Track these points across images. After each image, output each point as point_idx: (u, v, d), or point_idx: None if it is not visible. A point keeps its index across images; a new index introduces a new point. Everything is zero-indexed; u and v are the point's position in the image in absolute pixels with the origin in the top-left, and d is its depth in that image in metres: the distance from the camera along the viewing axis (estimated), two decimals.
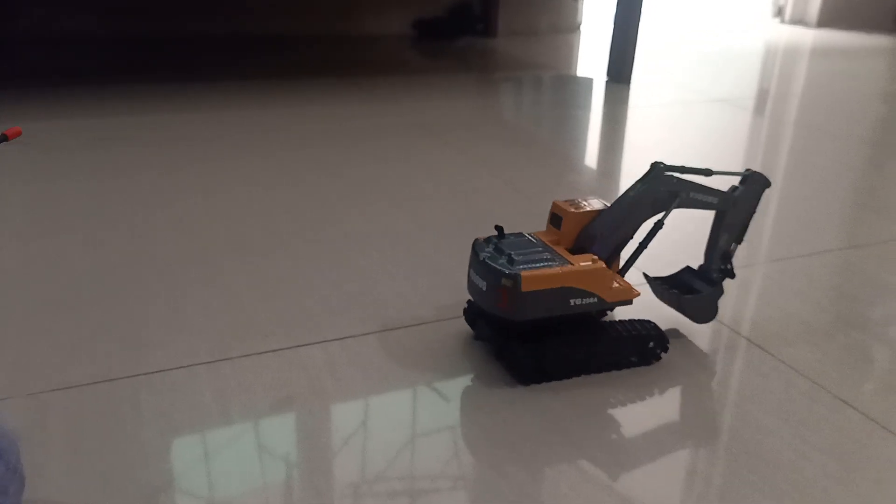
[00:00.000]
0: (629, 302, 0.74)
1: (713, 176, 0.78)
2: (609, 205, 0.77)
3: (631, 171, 1.38)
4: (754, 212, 0.81)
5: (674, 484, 0.61)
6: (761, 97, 2.02)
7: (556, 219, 0.77)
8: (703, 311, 0.82)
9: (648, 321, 0.77)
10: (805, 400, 0.73)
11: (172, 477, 0.59)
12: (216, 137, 1.44)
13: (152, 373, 0.72)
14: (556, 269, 0.70)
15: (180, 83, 1.86)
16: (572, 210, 0.76)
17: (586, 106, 1.83)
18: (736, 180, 0.81)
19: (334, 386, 0.71)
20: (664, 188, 0.74)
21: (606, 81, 2.11)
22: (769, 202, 1.23)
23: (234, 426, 0.65)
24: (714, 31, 3.29)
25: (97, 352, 0.75)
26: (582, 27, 3.09)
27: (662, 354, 0.77)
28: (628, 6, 2.05)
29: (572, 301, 0.71)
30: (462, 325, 0.82)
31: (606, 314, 0.80)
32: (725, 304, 0.89)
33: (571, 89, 2.01)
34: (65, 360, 0.74)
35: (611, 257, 0.76)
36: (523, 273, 0.69)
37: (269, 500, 0.58)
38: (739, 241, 0.82)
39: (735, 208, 0.79)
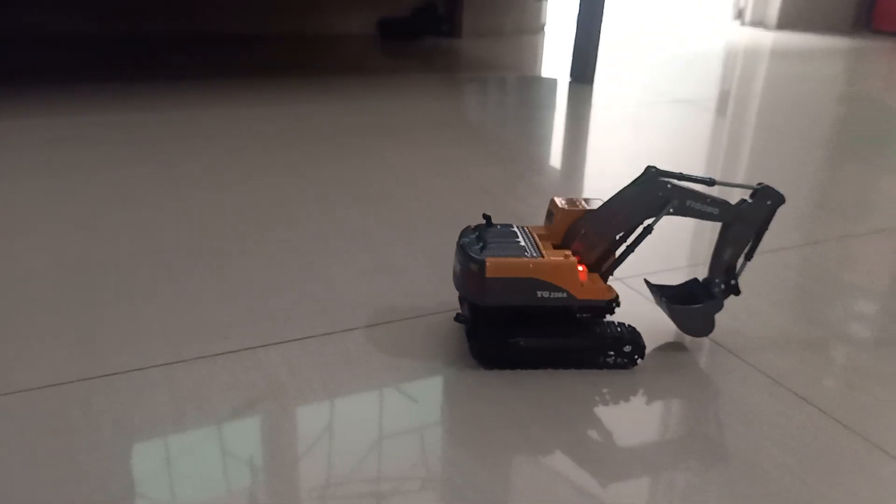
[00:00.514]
0: (603, 303, 0.73)
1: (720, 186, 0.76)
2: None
3: (595, 171, 1.38)
4: (766, 228, 0.77)
5: (633, 480, 0.61)
6: (722, 98, 2.04)
7: (549, 215, 0.78)
8: (696, 323, 0.80)
9: (630, 326, 0.76)
10: (765, 397, 0.73)
11: (130, 484, 0.58)
12: (178, 137, 1.42)
13: (106, 376, 0.70)
14: (523, 259, 0.70)
15: (143, 83, 1.83)
16: (562, 206, 0.76)
17: (550, 106, 1.83)
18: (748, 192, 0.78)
19: (293, 386, 0.70)
20: (657, 193, 0.73)
21: (570, 82, 2.11)
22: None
23: (191, 429, 0.64)
24: (676, 32, 3.32)
25: (49, 355, 0.73)
26: (546, 28, 3.11)
27: (639, 360, 0.76)
28: (590, 7, 2.06)
29: (539, 293, 0.71)
30: (424, 325, 0.82)
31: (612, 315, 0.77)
32: None
33: (535, 90, 2.01)
34: (15, 363, 0.72)
35: (600, 257, 0.75)
36: (489, 259, 0.70)
37: None
38: (749, 257, 0.79)
39: (741, 222, 0.76)
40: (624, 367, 0.76)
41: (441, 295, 0.88)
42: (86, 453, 0.61)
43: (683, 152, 1.51)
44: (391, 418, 0.67)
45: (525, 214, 1.13)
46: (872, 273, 1.01)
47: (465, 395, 0.70)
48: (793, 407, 0.72)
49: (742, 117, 1.84)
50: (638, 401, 0.71)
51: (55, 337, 0.76)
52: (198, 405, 0.67)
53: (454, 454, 0.63)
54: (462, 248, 0.72)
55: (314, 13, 2.68)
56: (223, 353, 0.74)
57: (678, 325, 0.80)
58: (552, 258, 0.71)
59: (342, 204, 1.14)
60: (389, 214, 1.10)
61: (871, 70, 2.67)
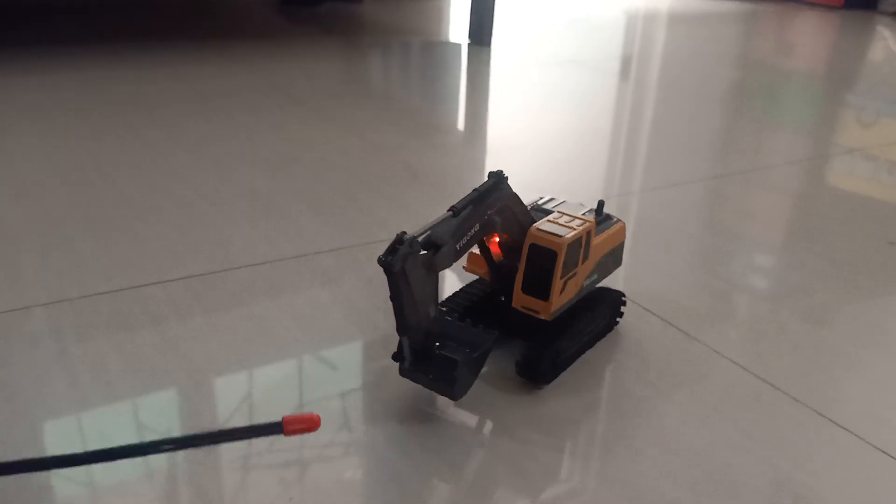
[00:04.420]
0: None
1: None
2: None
3: (494, 132, 1.43)
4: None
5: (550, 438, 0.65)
6: (620, 60, 2.11)
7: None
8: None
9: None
10: (656, 335, 0.78)
11: (6, 429, 0.59)
12: (66, 99, 1.40)
13: None
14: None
15: (33, 46, 1.78)
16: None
17: (448, 68, 1.86)
18: None
19: (177, 322, 0.72)
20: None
21: (469, 44, 2.15)
22: (642, 141, 1.30)
23: (77, 367, 0.65)
24: None
25: None
26: None
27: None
28: None
29: None
30: (297, 269, 0.84)
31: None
32: None
33: (435, 53, 2.04)
34: None
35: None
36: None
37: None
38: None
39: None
40: None
41: (328, 241, 0.91)
42: None
43: (579, 111, 1.56)
44: (257, 347, 0.70)
45: (419, 170, 1.16)
46: (757, 201, 1.08)
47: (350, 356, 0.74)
48: (682, 342, 0.77)
49: (641, 77, 1.91)
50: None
51: None
52: (81, 340, 0.68)
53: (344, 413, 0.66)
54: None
55: None
56: (107, 292, 0.76)
57: None
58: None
59: (235, 162, 1.14)
60: (285, 174, 1.12)
61: (760, 33, 2.79)
